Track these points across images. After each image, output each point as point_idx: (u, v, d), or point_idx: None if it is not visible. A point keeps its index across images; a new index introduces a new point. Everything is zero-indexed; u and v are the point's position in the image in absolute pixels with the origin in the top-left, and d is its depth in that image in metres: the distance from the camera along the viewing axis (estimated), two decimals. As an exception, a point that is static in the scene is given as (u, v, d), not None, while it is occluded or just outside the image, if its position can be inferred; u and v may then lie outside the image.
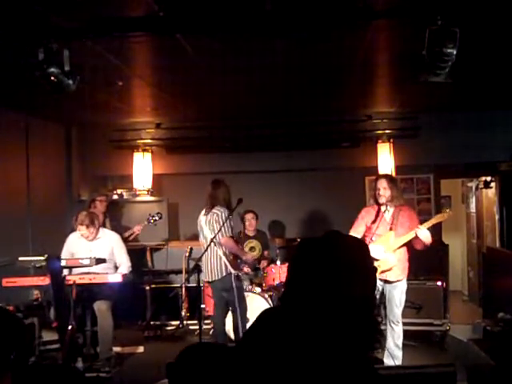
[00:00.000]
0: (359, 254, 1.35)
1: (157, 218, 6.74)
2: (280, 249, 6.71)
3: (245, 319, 5.31)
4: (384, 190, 4.85)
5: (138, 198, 7.52)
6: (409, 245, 4.84)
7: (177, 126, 7.55)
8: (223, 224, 5.15)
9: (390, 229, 4.84)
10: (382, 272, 4.78)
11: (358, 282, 1.29)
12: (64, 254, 5.63)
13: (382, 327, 5.15)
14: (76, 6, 3.22)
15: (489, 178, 7.81)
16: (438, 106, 6.79)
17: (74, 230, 5.82)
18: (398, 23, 3.65)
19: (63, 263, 5.25)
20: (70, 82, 3.48)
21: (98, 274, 5.28)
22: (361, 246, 1.40)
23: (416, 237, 4.73)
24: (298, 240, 6.19)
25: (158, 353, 5.99)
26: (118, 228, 6.67)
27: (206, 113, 6.98)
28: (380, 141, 7.31)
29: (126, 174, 7.60)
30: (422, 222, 4.85)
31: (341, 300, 1.27)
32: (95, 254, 5.49)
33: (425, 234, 4.72)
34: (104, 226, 6.09)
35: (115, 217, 7.19)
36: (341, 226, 5.40)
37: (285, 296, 1.35)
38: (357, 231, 5.03)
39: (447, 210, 5.17)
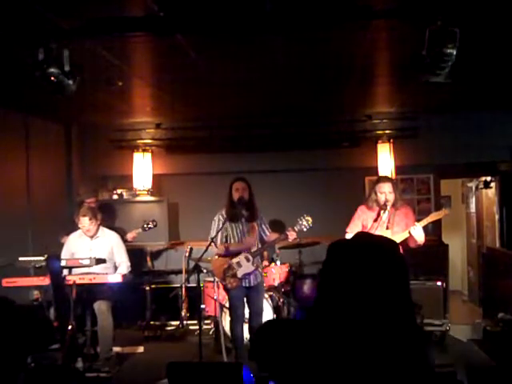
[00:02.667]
0: (394, 253, 1.35)
1: (151, 226, 6.72)
2: (280, 249, 6.72)
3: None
4: (390, 194, 4.89)
5: (138, 198, 7.52)
6: (404, 243, 4.86)
7: (177, 126, 7.55)
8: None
9: (387, 228, 4.86)
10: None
11: (395, 282, 1.29)
12: (64, 254, 5.64)
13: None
14: (76, 5, 3.22)
15: (489, 178, 7.81)
16: (437, 106, 6.79)
17: (73, 229, 5.84)
18: (398, 23, 3.65)
19: (63, 263, 5.26)
20: (70, 82, 3.48)
21: (97, 274, 5.29)
22: (393, 245, 1.39)
23: (409, 235, 4.75)
24: (297, 240, 6.18)
25: (158, 353, 6.00)
26: (117, 230, 6.66)
27: (206, 113, 6.98)
28: (380, 141, 7.30)
29: (126, 174, 7.60)
30: (418, 222, 4.87)
31: (381, 302, 1.26)
32: (95, 253, 5.50)
33: (418, 233, 4.74)
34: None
35: (114, 217, 7.18)
36: (341, 226, 5.39)
37: (319, 300, 1.33)
38: (353, 231, 5.06)
39: (443, 209, 5.20)
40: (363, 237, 1.40)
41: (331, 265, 1.33)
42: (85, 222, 5.55)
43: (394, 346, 1.25)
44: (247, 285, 5.23)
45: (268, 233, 5.40)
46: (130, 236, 6.74)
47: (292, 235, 5.19)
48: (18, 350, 1.48)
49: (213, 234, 5.18)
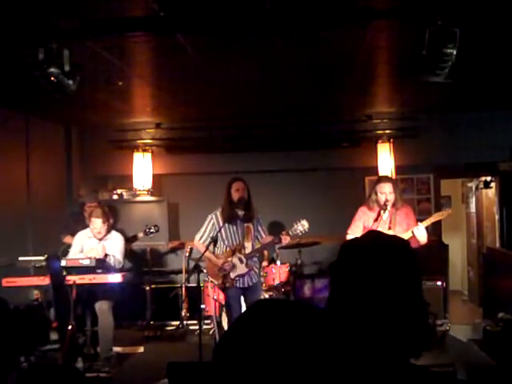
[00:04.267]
0: (408, 252, 1.34)
1: (153, 231, 6.73)
2: (280, 249, 6.71)
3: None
4: (390, 195, 4.91)
5: (138, 198, 7.52)
6: None
7: (177, 126, 7.55)
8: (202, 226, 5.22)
9: (389, 228, 4.87)
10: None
11: (409, 281, 1.29)
12: (74, 250, 5.59)
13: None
14: (76, 5, 3.23)
15: (489, 178, 7.81)
16: (438, 106, 6.79)
17: (75, 229, 5.83)
18: (398, 23, 3.65)
19: (63, 263, 5.26)
20: (70, 82, 3.48)
21: (98, 273, 5.28)
22: (406, 244, 1.39)
23: (412, 235, 4.76)
24: (297, 240, 6.19)
25: (158, 353, 5.99)
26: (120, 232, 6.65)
27: (206, 113, 6.99)
28: (380, 141, 7.30)
29: (126, 174, 7.60)
30: (421, 222, 4.89)
31: (395, 300, 1.26)
32: (103, 255, 5.46)
33: (421, 233, 4.77)
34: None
35: (116, 219, 7.18)
36: (341, 226, 5.39)
37: (332, 301, 1.33)
38: (354, 232, 5.06)
39: (446, 209, 5.22)
40: (376, 236, 1.39)
41: (345, 265, 1.33)
42: (97, 224, 5.50)
43: (406, 345, 1.26)
44: (241, 286, 5.17)
45: (264, 235, 5.33)
46: (140, 235, 6.75)
47: (286, 239, 5.12)
48: (9, 348, 1.47)
49: (201, 233, 5.18)
